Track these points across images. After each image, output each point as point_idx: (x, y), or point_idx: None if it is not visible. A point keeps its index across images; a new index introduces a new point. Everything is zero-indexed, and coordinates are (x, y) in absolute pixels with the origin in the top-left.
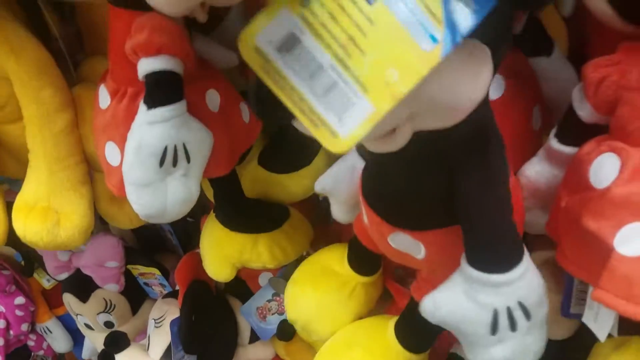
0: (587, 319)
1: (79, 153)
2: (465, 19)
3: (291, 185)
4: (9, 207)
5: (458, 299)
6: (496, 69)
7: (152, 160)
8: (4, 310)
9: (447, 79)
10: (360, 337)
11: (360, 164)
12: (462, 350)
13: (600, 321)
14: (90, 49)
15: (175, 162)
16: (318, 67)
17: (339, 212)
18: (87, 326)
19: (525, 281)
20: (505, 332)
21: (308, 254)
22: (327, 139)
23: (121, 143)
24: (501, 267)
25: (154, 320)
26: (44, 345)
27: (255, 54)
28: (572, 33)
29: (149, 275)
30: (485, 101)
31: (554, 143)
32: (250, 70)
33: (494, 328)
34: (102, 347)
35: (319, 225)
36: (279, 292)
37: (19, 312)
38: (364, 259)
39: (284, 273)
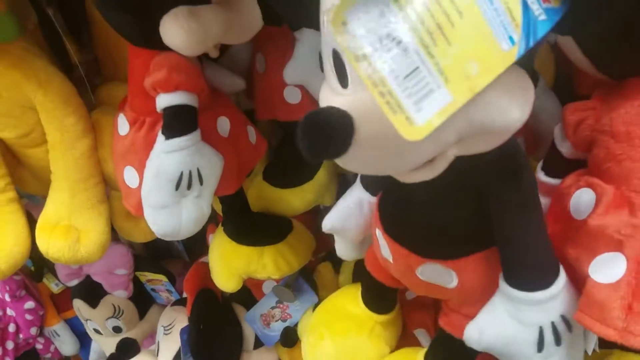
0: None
1: (98, 174)
2: (538, 28)
3: (295, 200)
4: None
5: (502, 322)
6: None
7: (169, 185)
8: (14, 315)
9: (502, 99)
10: None
11: (367, 198)
12: None
13: (586, 336)
14: (107, 73)
15: (189, 186)
16: (403, 49)
17: (345, 250)
18: (96, 331)
19: (565, 295)
20: (551, 347)
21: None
22: (403, 125)
23: (139, 168)
24: (543, 284)
25: (163, 327)
26: (52, 348)
27: (343, 29)
28: (559, 57)
29: (156, 281)
30: None
31: (541, 175)
32: None
33: (540, 345)
34: (110, 351)
35: (321, 233)
36: (282, 300)
37: (28, 316)
38: (379, 296)
39: (286, 281)
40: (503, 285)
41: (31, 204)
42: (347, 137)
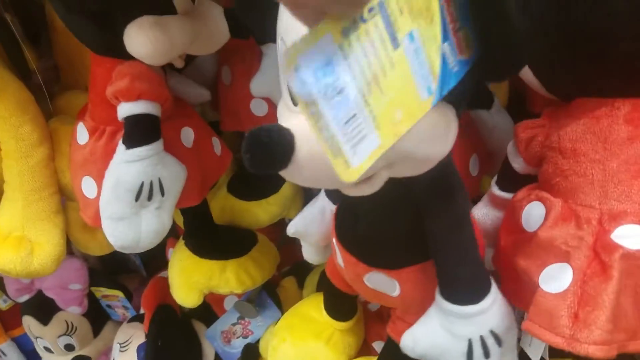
0: (524, 344)
1: (54, 184)
2: (451, 79)
3: (260, 212)
4: None
5: (435, 332)
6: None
7: (128, 196)
8: None
9: (424, 134)
10: None
11: (330, 206)
12: None
13: (533, 346)
14: (66, 81)
15: (150, 197)
16: (345, 98)
17: (310, 254)
18: (47, 349)
19: (494, 310)
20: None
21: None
22: (341, 167)
23: (98, 178)
24: (473, 299)
25: (120, 344)
26: None
27: (295, 73)
28: (513, 78)
29: (112, 297)
30: (449, 152)
31: (495, 190)
32: None
33: (470, 357)
34: None
35: (285, 246)
36: (244, 316)
37: None
38: (338, 303)
39: (249, 296)
40: (437, 297)
41: None
42: (287, 154)
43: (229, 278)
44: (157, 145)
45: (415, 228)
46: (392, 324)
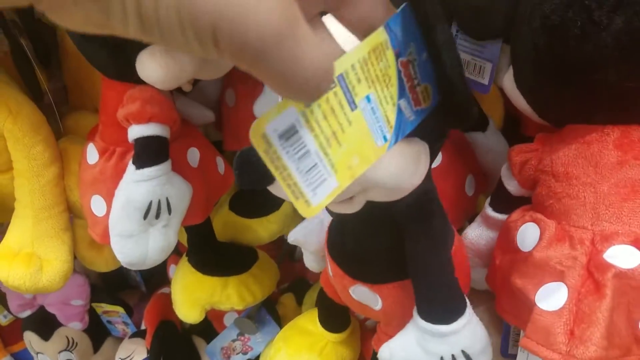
0: (520, 358)
1: (63, 202)
2: (407, 127)
3: (261, 230)
4: None
5: (411, 347)
6: (434, 157)
7: (137, 214)
8: None
9: (392, 166)
10: None
11: (328, 219)
12: None
13: None
14: (75, 102)
15: (158, 215)
16: (306, 152)
17: (310, 261)
18: None
19: (468, 331)
20: None
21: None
22: (303, 207)
23: (107, 196)
24: (446, 318)
25: (121, 359)
26: None
27: (262, 139)
28: (507, 101)
29: (113, 313)
30: (428, 177)
31: (489, 211)
32: None
33: None
34: None
35: (284, 263)
36: (243, 332)
37: None
38: (331, 315)
39: (249, 313)
40: (414, 314)
41: None
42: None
43: (230, 294)
44: (166, 166)
45: (397, 247)
46: (376, 337)
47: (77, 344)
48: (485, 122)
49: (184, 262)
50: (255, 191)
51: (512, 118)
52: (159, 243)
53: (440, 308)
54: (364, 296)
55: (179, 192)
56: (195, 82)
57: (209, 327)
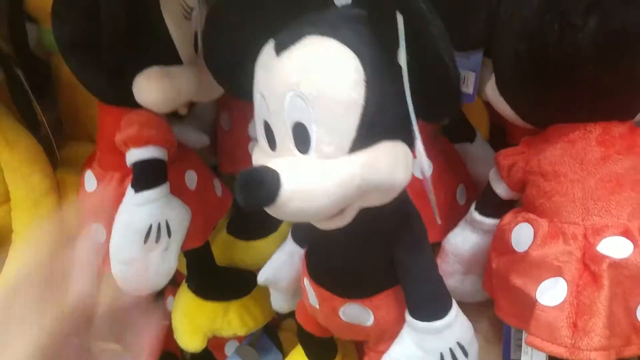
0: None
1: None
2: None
3: (260, 252)
4: None
5: (410, 351)
6: None
7: (138, 238)
8: None
9: (386, 167)
10: None
11: (297, 250)
12: None
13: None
14: (70, 133)
15: (158, 239)
16: None
17: (279, 302)
18: None
19: (458, 323)
20: None
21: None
22: None
23: (107, 223)
24: (439, 314)
25: None
26: None
27: None
28: (492, 113)
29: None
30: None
31: (475, 215)
32: None
33: None
34: None
35: None
36: None
37: None
38: (317, 347)
39: (250, 340)
40: (408, 317)
41: None
42: (275, 190)
43: (231, 320)
44: (165, 189)
45: (383, 256)
46: (366, 358)
47: None
48: (472, 133)
49: (184, 288)
50: (253, 213)
51: (498, 128)
52: (160, 267)
53: (432, 305)
54: (355, 314)
55: (178, 215)
56: (191, 107)
57: (210, 358)
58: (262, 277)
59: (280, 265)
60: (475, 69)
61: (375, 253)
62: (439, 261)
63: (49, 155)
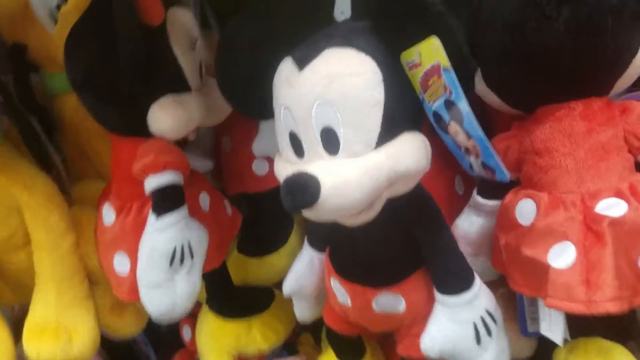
0: (545, 330)
1: (82, 270)
2: None
3: (273, 266)
4: None
5: (446, 326)
6: None
7: (163, 262)
8: None
9: (412, 154)
10: None
11: (316, 255)
12: None
13: (554, 329)
14: (76, 172)
15: (182, 260)
16: None
17: (303, 311)
18: None
19: (483, 292)
20: (485, 338)
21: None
22: None
23: (131, 252)
24: (466, 286)
25: None
26: None
27: None
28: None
29: None
30: None
31: (478, 199)
32: None
33: (478, 339)
34: None
35: None
36: None
37: None
38: (346, 346)
39: (271, 358)
40: (438, 295)
41: None
42: (317, 191)
43: (255, 336)
44: (184, 211)
45: (406, 241)
46: (401, 345)
47: None
48: None
49: (205, 311)
50: (261, 229)
51: (486, 125)
52: (186, 290)
53: (458, 278)
54: (388, 303)
55: (198, 236)
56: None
57: None
58: (287, 289)
59: (303, 274)
60: None
61: (400, 239)
62: None
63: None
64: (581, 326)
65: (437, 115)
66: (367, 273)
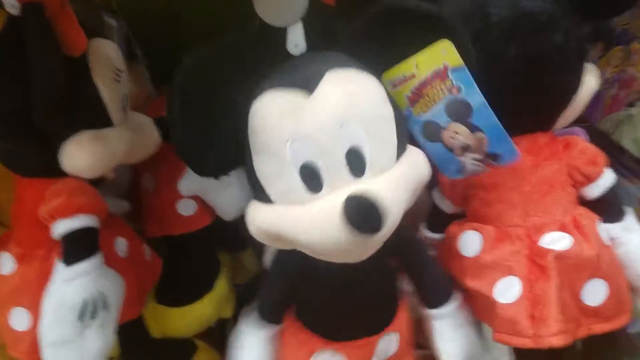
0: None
1: None
2: None
3: (196, 316)
4: None
5: (455, 336)
6: None
7: (71, 316)
8: None
9: (424, 162)
10: None
11: (269, 332)
12: None
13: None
14: None
15: (94, 314)
16: None
17: None
18: None
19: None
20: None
21: None
22: None
23: (32, 306)
24: (451, 289)
25: None
26: None
27: None
28: None
29: None
30: None
31: (427, 233)
32: None
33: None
34: None
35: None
36: None
37: None
38: None
39: None
40: (432, 312)
41: None
42: (385, 209)
43: None
44: (98, 259)
45: (392, 274)
46: None
47: None
48: None
49: None
50: (181, 275)
51: None
52: (98, 346)
53: (447, 286)
54: (386, 344)
55: (113, 286)
56: None
57: None
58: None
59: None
60: None
61: (388, 269)
62: None
63: None
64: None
65: (428, 124)
66: (369, 319)
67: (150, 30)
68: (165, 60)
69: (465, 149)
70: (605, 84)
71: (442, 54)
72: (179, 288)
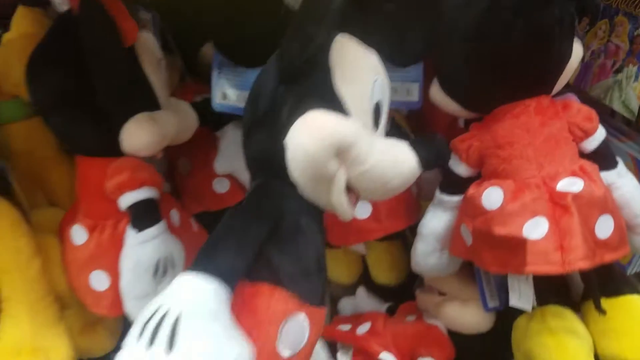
0: (513, 299)
1: (52, 292)
2: None
3: None
4: None
5: None
6: None
7: (148, 274)
8: None
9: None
10: None
11: None
12: None
13: (523, 297)
14: (31, 201)
15: (165, 271)
16: None
17: None
18: None
19: None
20: None
21: None
22: None
23: (110, 268)
24: None
25: None
26: None
27: None
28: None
29: None
30: None
31: (443, 196)
32: None
33: None
34: None
35: None
36: None
37: None
38: None
39: None
40: None
41: None
42: None
43: None
44: (164, 224)
45: None
46: None
47: None
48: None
49: None
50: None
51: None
52: None
53: None
54: None
55: (176, 248)
56: None
57: None
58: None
59: None
60: (417, 80)
61: None
62: (419, 244)
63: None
64: (538, 298)
65: None
66: None
67: (177, 22)
68: (192, 51)
69: None
70: (593, 55)
71: None
72: None
